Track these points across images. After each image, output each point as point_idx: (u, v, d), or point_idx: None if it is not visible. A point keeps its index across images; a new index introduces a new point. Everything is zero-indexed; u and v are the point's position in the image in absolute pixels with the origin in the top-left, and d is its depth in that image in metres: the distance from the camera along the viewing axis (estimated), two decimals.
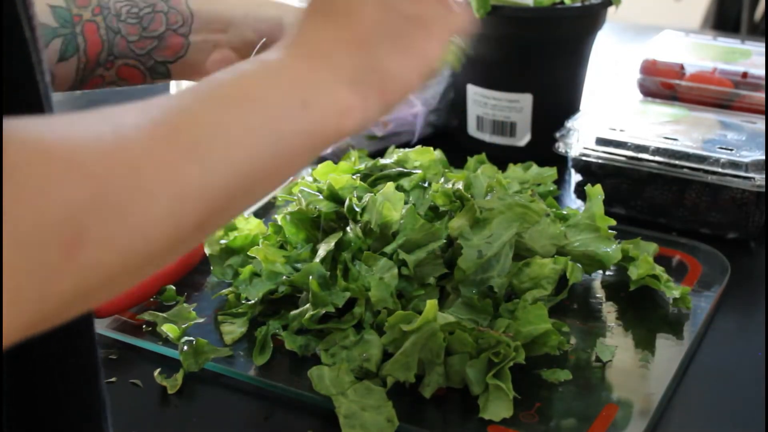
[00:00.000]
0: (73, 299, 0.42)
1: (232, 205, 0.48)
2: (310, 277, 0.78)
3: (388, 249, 0.79)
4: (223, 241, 0.88)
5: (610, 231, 0.86)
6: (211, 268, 0.88)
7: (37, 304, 0.40)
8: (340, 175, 0.88)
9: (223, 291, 0.85)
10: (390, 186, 0.82)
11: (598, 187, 0.85)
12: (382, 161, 0.93)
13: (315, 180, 0.91)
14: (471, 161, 0.97)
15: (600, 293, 0.88)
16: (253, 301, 0.82)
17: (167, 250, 0.45)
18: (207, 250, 0.88)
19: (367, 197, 0.82)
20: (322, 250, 0.81)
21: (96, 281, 0.42)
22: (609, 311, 0.85)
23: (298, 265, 0.83)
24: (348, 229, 0.82)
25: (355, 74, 0.55)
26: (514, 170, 0.97)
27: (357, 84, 0.55)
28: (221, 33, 0.81)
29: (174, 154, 0.45)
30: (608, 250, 0.84)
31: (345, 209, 0.83)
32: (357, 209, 0.82)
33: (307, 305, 0.78)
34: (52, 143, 0.41)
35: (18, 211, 0.38)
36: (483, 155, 0.98)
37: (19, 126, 0.40)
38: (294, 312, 0.79)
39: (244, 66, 0.53)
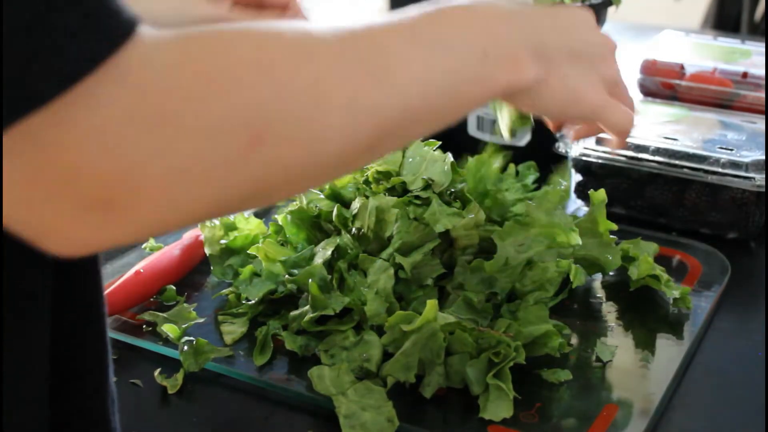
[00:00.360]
0: (253, 192, 0.45)
1: (400, 132, 0.51)
2: (310, 280, 0.78)
3: (384, 254, 0.79)
4: (223, 241, 0.88)
5: (611, 235, 0.86)
6: (212, 268, 0.88)
7: (221, 190, 0.43)
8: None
9: (224, 291, 0.85)
10: (380, 195, 0.82)
11: (602, 192, 0.85)
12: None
13: None
14: (472, 162, 0.97)
15: (600, 293, 0.88)
16: (253, 301, 0.82)
17: (340, 161, 0.48)
18: (207, 250, 0.88)
19: (357, 203, 0.82)
20: (319, 257, 0.81)
21: (275, 178, 0.45)
22: (609, 311, 0.85)
23: (295, 271, 0.83)
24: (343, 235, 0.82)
25: (538, 48, 0.58)
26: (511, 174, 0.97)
27: (540, 57, 0.58)
28: None
29: (355, 73, 0.47)
30: (609, 256, 0.84)
31: (334, 218, 0.82)
32: (347, 216, 0.82)
33: (307, 307, 0.78)
34: (242, 45, 0.44)
35: (210, 103, 0.41)
36: (484, 155, 0.98)
37: (213, 28, 0.43)
38: (294, 313, 0.79)
39: (437, 7, 0.55)
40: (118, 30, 0.39)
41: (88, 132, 0.39)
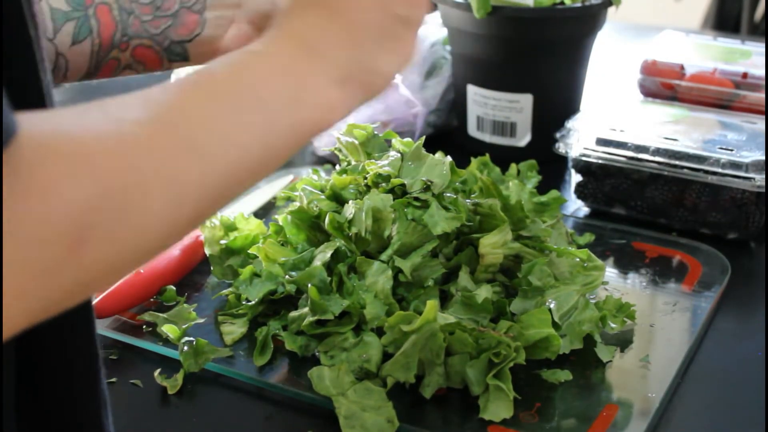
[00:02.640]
0: (74, 292, 0.44)
1: (224, 198, 0.51)
2: (309, 284, 0.77)
3: (384, 256, 0.79)
4: (223, 242, 0.88)
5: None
6: (211, 268, 0.88)
7: (40, 299, 0.42)
8: (341, 175, 0.87)
9: (224, 291, 0.85)
10: (374, 193, 0.81)
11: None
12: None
13: (318, 177, 0.90)
14: (474, 163, 0.97)
15: (600, 293, 0.87)
16: (253, 302, 0.82)
17: (163, 243, 0.48)
18: (207, 251, 0.88)
19: (351, 208, 0.81)
20: (318, 259, 0.80)
21: (96, 275, 0.44)
22: None
23: (294, 273, 0.82)
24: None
25: (345, 71, 0.57)
26: (513, 174, 0.97)
27: (345, 81, 0.57)
28: (235, 7, 0.80)
29: (173, 151, 0.46)
30: None
31: (327, 225, 0.81)
32: (341, 221, 0.81)
33: (306, 309, 0.78)
34: (58, 141, 0.42)
35: (25, 209, 0.40)
36: (486, 157, 0.98)
37: (25, 122, 0.41)
38: (294, 314, 0.79)
39: (239, 57, 0.54)
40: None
41: None
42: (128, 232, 0.44)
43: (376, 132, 0.88)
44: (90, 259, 0.42)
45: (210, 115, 0.49)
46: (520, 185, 0.92)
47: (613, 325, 0.79)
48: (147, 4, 0.78)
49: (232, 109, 0.50)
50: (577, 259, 0.82)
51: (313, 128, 0.55)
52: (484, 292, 0.77)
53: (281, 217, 0.87)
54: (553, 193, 0.92)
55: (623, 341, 0.80)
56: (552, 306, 0.77)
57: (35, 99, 0.49)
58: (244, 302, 0.83)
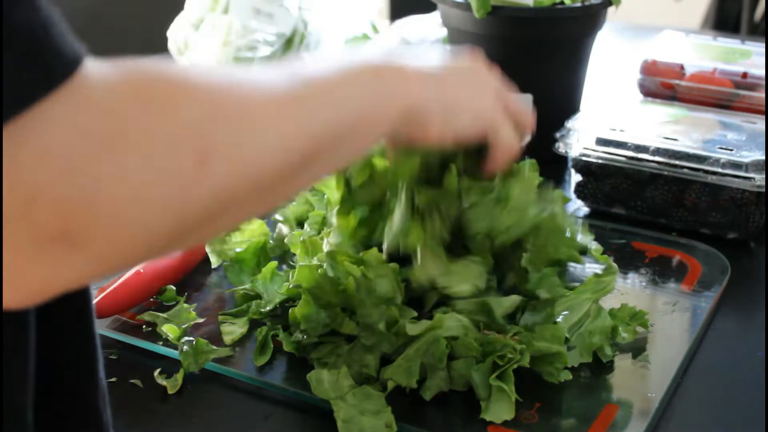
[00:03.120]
0: (206, 215, 0.47)
1: (325, 154, 0.55)
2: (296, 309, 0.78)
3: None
4: (238, 249, 0.88)
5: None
6: (228, 275, 0.88)
7: (181, 211, 0.45)
8: None
9: (237, 288, 0.85)
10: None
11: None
12: None
13: None
14: None
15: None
16: (270, 306, 0.82)
17: (279, 178, 0.51)
18: (215, 261, 0.89)
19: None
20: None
21: (223, 199, 0.47)
22: None
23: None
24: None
25: (425, 74, 0.65)
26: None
27: (425, 76, 0.64)
28: None
29: (284, 98, 0.52)
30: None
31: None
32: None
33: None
34: (180, 75, 0.47)
35: (154, 123, 0.43)
36: None
37: (147, 62, 0.46)
38: (292, 318, 0.79)
39: (334, 55, 0.64)
40: (61, 68, 0.41)
41: (44, 150, 0.40)
42: (246, 154, 0.48)
43: None
44: (216, 178, 0.46)
45: (319, 77, 0.56)
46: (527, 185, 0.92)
47: (624, 335, 0.79)
48: None
49: (340, 78, 0.57)
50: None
51: (405, 105, 0.62)
52: (506, 305, 0.76)
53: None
54: (557, 193, 0.92)
55: (623, 340, 0.80)
56: (562, 317, 0.76)
57: None
58: (255, 302, 0.82)
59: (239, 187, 0.48)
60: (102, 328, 0.82)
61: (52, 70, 0.40)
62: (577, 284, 0.80)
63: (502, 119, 0.71)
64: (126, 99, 0.43)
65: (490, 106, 0.70)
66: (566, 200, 0.90)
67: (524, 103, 0.77)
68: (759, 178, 0.92)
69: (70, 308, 0.55)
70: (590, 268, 0.85)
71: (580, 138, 1.00)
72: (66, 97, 0.40)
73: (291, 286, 0.80)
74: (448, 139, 0.67)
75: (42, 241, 0.40)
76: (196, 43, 1.25)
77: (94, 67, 0.42)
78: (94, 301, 0.84)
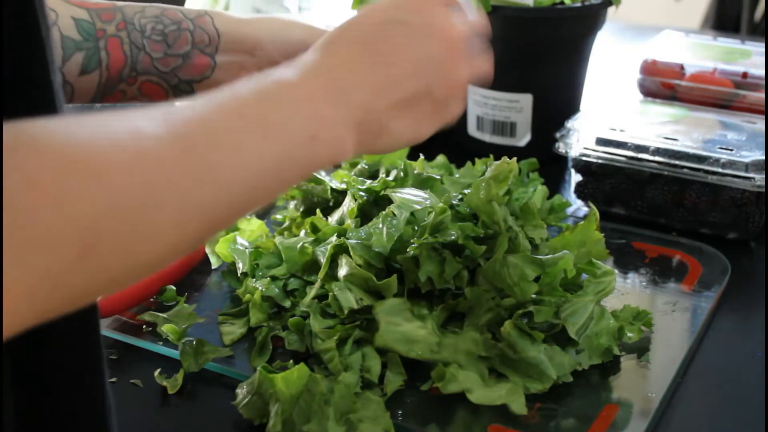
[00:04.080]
0: (79, 297, 0.45)
1: (230, 219, 0.52)
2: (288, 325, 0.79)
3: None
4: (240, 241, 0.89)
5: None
6: (226, 279, 0.88)
7: (46, 301, 0.42)
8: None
9: (249, 284, 0.85)
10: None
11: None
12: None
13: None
14: (478, 163, 0.96)
15: None
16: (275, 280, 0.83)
17: (168, 257, 0.48)
18: (215, 264, 0.89)
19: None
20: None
21: (102, 283, 0.44)
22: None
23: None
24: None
25: (364, 120, 0.59)
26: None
27: (361, 128, 0.59)
28: (248, 54, 0.80)
29: (188, 172, 0.47)
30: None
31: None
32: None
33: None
34: (75, 150, 0.43)
35: (39, 215, 0.40)
36: (491, 158, 0.97)
37: (44, 128, 0.42)
38: (291, 320, 0.79)
39: (267, 85, 0.55)
40: None
41: None
42: (136, 244, 0.45)
43: None
44: (97, 267, 0.43)
45: (231, 141, 0.50)
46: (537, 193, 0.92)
47: (630, 335, 0.79)
48: (158, 41, 0.78)
49: (253, 138, 0.52)
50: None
51: (322, 165, 0.58)
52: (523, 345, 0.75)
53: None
54: (558, 198, 0.92)
55: (623, 341, 0.80)
56: (568, 321, 0.76)
57: (45, 99, 0.49)
58: (255, 291, 0.83)
59: (120, 275, 0.45)
60: (102, 328, 0.82)
61: None
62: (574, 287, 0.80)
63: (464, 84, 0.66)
64: (13, 185, 0.39)
65: (427, 130, 0.66)
66: (566, 205, 0.91)
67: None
68: (759, 178, 0.92)
69: (75, 316, 0.54)
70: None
71: (580, 138, 1.00)
72: None
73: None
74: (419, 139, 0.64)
75: None
76: None
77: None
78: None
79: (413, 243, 0.77)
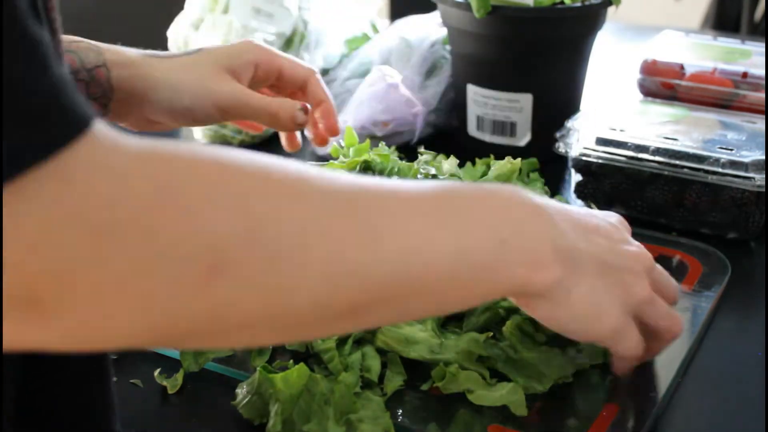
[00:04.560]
0: (202, 328, 0.40)
1: (391, 304, 0.46)
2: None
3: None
4: None
5: None
6: None
7: (164, 319, 0.39)
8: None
9: None
10: None
11: None
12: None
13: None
14: (479, 164, 0.96)
15: None
16: None
17: (311, 320, 0.43)
18: None
19: None
20: None
21: (229, 320, 0.40)
22: None
23: None
24: None
25: (566, 249, 0.53)
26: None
27: (562, 255, 0.53)
28: (139, 104, 0.79)
29: (348, 230, 0.43)
30: None
31: None
32: None
33: None
34: (218, 169, 0.40)
35: (165, 221, 0.38)
36: (491, 158, 0.97)
37: (199, 151, 0.40)
38: None
39: (469, 185, 0.51)
40: (68, 127, 0.36)
41: (25, 230, 0.35)
42: (272, 282, 0.41)
43: (376, 132, 0.88)
44: (224, 295, 0.39)
45: (401, 218, 0.45)
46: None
47: None
48: None
49: (431, 218, 0.47)
50: None
51: (517, 281, 0.51)
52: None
53: None
54: (559, 199, 0.92)
55: None
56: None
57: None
58: None
59: (252, 314, 0.41)
60: None
61: (57, 133, 0.36)
62: None
63: (626, 334, 0.62)
64: (135, 186, 0.37)
65: (618, 319, 0.60)
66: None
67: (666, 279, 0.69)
68: (759, 178, 0.92)
69: None
70: None
71: (580, 138, 1.00)
72: (62, 170, 0.36)
73: None
74: (553, 327, 0.59)
75: (9, 301, 0.36)
76: (196, 43, 1.25)
77: (110, 137, 0.38)
78: None
79: None
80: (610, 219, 0.64)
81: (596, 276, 0.57)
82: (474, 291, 0.50)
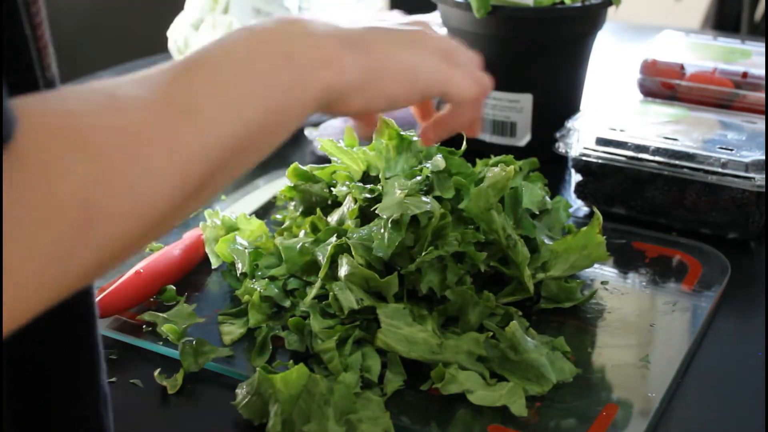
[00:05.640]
0: (91, 272, 0.44)
1: (232, 163, 0.49)
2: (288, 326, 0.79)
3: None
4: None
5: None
6: (225, 279, 0.88)
7: (57, 282, 0.42)
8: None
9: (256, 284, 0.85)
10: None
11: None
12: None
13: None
14: (479, 164, 0.96)
15: (601, 292, 0.87)
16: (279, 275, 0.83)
17: (175, 211, 0.47)
18: (213, 261, 0.89)
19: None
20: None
21: (111, 253, 0.43)
22: (609, 311, 0.85)
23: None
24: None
25: (349, 38, 0.56)
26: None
27: (349, 42, 0.56)
28: None
29: (170, 119, 0.46)
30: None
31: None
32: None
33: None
34: (56, 120, 0.42)
35: (31, 194, 0.40)
36: (492, 158, 0.97)
37: (24, 104, 0.41)
38: (291, 320, 0.79)
39: (232, 34, 0.53)
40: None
41: None
42: (135, 205, 0.43)
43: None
44: (101, 238, 0.42)
45: (205, 83, 0.48)
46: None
47: None
48: None
49: (227, 76, 0.49)
50: None
51: (321, 87, 0.53)
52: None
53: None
54: (559, 200, 0.92)
55: (623, 341, 0.80)
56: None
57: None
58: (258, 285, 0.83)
59: (128, 239, 0.44)
60: (102, 328, 0.82)
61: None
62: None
63: (451, 73, 0.62)
64: (15, 162, 0.39)
65: (430, 64, 0.61)
66: (567, 206, 0.91)
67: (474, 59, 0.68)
68: (759, 178, 0.92)
69: (71, 314, 0.54)
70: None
71: (580, 138, 1.00)
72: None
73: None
74: (378, 108, 0.59)
75: None
76: (196, 43, 1.25)
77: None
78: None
79: (416, 258, 0.77)
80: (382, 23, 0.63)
81: (392, 46, 0.59)
82: (291, 115, 0.53)
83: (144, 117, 0.45)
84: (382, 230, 0.78)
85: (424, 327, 0.74)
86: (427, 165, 0.84)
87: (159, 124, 0.45)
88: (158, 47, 1.40)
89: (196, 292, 0.89)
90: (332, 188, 0.88)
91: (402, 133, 0.87)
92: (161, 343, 0.80)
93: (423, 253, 0.77)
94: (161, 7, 1.47)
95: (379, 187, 0.84)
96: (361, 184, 0.86)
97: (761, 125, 1.02)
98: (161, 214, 0.45)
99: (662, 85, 1.17)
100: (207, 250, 0.90)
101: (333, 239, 0.81)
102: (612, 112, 1.06)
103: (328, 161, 0.92)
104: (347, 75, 0.55)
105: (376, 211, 0.79)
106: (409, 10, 1.41)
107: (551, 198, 0.92)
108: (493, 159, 0.92)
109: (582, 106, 1.17)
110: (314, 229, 0.86)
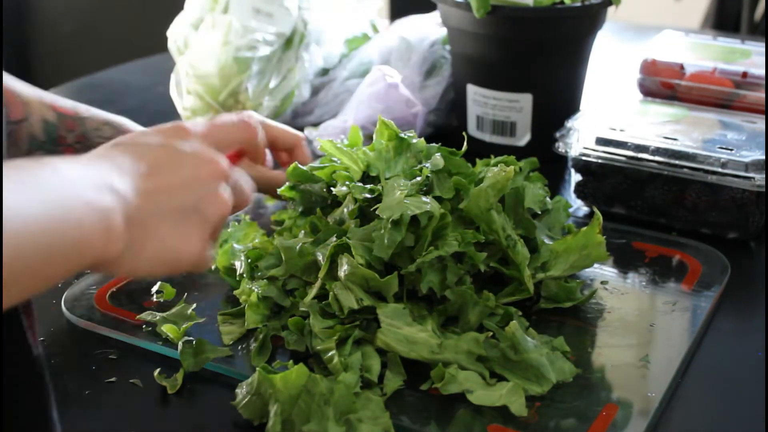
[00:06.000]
0: None
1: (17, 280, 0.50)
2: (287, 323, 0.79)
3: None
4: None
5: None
6: (226, 280, 0.88)
7: None
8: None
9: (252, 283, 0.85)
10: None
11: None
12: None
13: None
14: (479, 164, 0.96)
15: (601, 292, 0.87)
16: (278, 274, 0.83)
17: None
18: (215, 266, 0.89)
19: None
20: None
21: None
22: (609, 311, 0.85)
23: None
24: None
25: (132, 214, 0.58)
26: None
27: (129, 220, 0.57)
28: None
29: None
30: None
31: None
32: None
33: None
34: None
35: None
36: (492, 158, 0.97)
37: None
38: (291, 320, 0.79)
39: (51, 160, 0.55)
40: None
41: None
42: None
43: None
44: None
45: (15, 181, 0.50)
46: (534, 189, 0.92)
47: None
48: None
49: (19, 188, 0.50)
50: None
51: (94, 256, 0.55)
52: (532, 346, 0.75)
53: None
54: (559, 200, 0.92)
55: (623, 341, 0.80)
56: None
57: None
58: (256, 284, 0.83)
59: None
60: (102, 328, 0.82)
61: None
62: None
63: (210, 247, 0.65)
64: None
65: (195, 248, 0.63)
66: (567, 206, 0.91)
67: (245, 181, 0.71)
68: (759, 178, 0.92)
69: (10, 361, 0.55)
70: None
71: (580, 138, 1.00)
72: None
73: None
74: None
75: None
76: (195, 42, 1.25)
77: None
78: (94, 294, 0.84)
79: (416, 258, 0.77)
80: (178, 146, 0.65)
81: (171, 223, 0.61)
82: (65, 268, 0.54)
83: None
84: (382, 230, 0.78)
85: (424, 327, 0.74)
86: (427, 165, 0.84)
87: None
88: (158, 47, 1.40)
89: (196, 292, 0.89)
90: (332, 188, 0.88)
91: (401, 134, 0.87)
92: (161, 343, 0.80)
93: (423, 253, 0.77)
94: (161, 7, 1.47)
95: (379, 187, 0.84)
96: (361, 184, 0.86)
97: (761, 125, 1.02)
98: None
99: (662, 85, 1.17)
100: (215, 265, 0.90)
101: (333, 239, 0.81)
102: (612, 112, 1.06)
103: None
104: (117, 252, 0.57)
105: (376, 211, 0.79)
106: (409, 10, 1.41)
107: (551, 198, 0.92)
108: (493, 159, 0.92)
109: (582, 106, 1.17)
110: (314, 229, 0.86)
